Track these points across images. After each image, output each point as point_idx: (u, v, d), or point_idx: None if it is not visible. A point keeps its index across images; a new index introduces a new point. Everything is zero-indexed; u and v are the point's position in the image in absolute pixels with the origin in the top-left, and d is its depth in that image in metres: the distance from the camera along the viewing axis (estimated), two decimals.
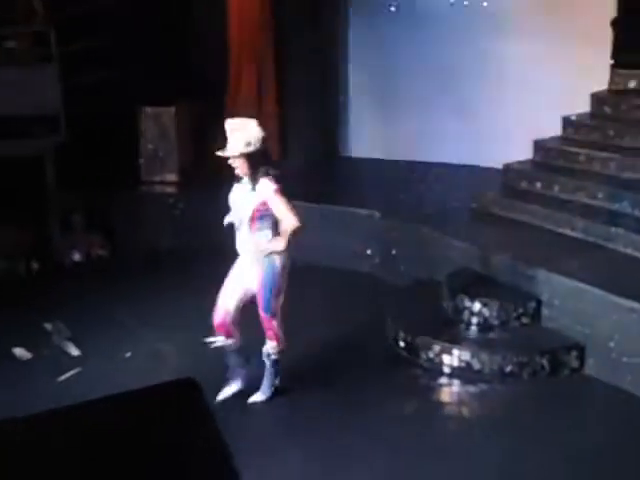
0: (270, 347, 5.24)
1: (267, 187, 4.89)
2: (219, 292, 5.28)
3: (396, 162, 8.97)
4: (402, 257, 7.37)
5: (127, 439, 1.52)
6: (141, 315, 6.80)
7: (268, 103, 9.15)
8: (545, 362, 5.64)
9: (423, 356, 5.88)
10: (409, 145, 8.98)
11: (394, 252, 7.46)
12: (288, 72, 9.15)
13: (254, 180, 4.92)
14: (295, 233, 4.95)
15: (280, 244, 4.95)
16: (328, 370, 5.85)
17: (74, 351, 6.23)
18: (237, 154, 4.88)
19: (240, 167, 4.95)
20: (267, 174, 4.91)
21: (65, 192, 9.07)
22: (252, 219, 4.93)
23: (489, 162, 8.26)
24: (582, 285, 5.75)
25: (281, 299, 5.20)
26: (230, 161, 4.98)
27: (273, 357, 5.28)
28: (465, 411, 5.60)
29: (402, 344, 6.06)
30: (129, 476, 1.43)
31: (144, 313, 6.82)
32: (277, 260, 5.06)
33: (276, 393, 5.40)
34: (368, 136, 9.27)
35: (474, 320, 6.03)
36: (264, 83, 9.12)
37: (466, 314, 6.06)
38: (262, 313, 5.15)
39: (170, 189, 8.78)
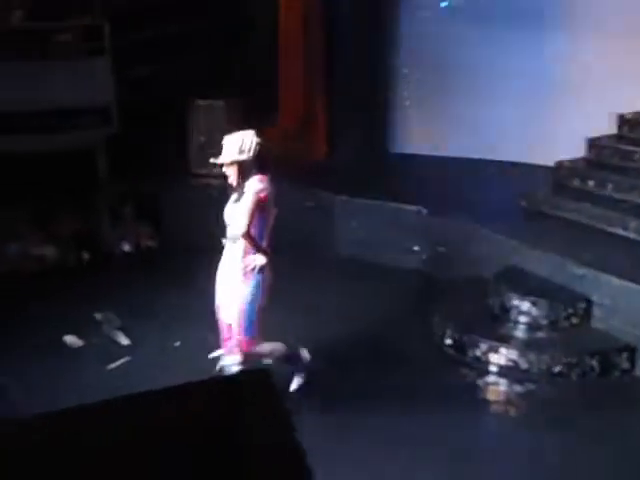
0: (234, 358, 4.95)
1: (251, 187, 4.77)
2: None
3: (445, 159, 8.93)
4: (449, 254, 7.32)
5: (199, 429, 1.52)
6: (189, 305, 6.84)
7: (317, 99, 9.16)
8: (595, 363, 5.57)
9: (470, 354, 5.84)
10: (458, 142, 8.93)
11: (441, 249, 7.42)
12: (337, 68, 9.15)
13: (243, 187, 4.80)
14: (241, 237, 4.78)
15: (262, 257, 4.80)
16: (373, 366, 5.85)
17: (124, 340, 6.32)
18: (228, 161, 4.76)
19: (232, 175, 4.82)
20: (259, 178, 4.82)
21: (116, 183, 9.22)
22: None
23: (540, 160, 8.18)
24: (633, 285, 5.67)
25: (259, 317, 4.96)
26: (223, 169, 4.85)
27: (233, 369, 4.87)
28: (513, 411, 5.55)
29: (449, 342, 6.03)
30: (199, 468, 1.44)
31: (193, 303, 6.85)
32: (261, 277, 4.88)
33: None
34: (417, 132, 9.24)
35: (522, 319, 5.97)
36: (313, 79, 9.13)
37: (514, 313, 6.00)
38: (241, 335, 4.91)
39: (219, 182, 8.82)
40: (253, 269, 4.80)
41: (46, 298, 7.01)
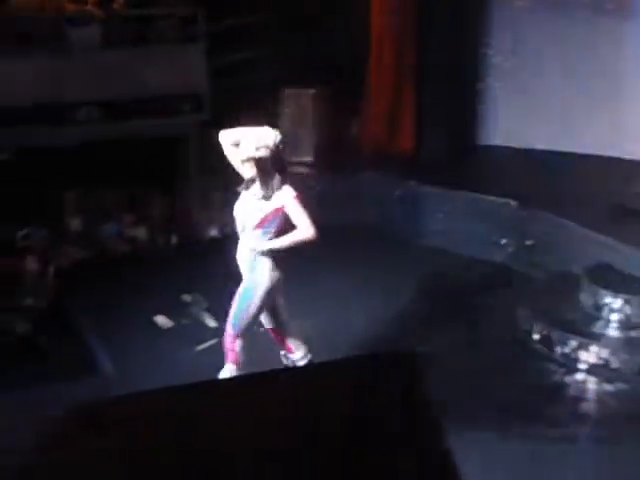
0: (229, 371, 4.74)
1: (287, 193, 4.60)
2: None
3: (535, 151, 8.76)
4: (538, 248, 7.21)
5: (332, 410, 1.53)
6: None
7: (406, 88, 9.11)
8: None
9: (558, 350, 5.76)
10: (550, 134, 8.74)
11: (529, 242, 7.31)
12: (428, 56, 9.06)
13: (265, 185, 4.61)
14: (306, 242, 4.65)
15: (278, 243, 4.65)
16: (458, 359, 5.81)
17: (211, 323, 6.44)
18: (246, 157, 4.62)
19: (250, 171, 4.67)
20: (284, 181, 4.63)
21: (206, 169, 9.37)
22: (259, 224, 4.63)
23: (634, 155, 7.96)
24: None
25: (253, 320, 4.81)
26: (240, 164, 4.72)
27: None
28: (604, 410, 5.45)
29: (536, 337, 5.95)
30: (338, 450, 1.44)
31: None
32: (267, 275, 4.74)
33: None
34: (507, 124, 9.08)
35: (614, 317, 5.85)
36: (403, 68, 9.08)
37: (606, 310, 5.88)
38: (228, 327, 4.80)
39: (306, 170, 8.89)
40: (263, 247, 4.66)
41: (137, 279, 7.20)
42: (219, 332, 6.25)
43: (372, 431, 1.44)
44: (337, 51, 9.44)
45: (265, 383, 1.66)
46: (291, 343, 4.96)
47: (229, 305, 6.72)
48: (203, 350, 6.02)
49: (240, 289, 4.83)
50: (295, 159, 8.96)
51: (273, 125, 8.88)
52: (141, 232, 8.53)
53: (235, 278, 7.34)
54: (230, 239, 8.75)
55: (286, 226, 4.70)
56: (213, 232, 9.04)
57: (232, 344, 4.76)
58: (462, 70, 9.02)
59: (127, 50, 8.45)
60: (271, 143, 4.56)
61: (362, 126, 9.41)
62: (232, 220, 9.05)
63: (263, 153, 4.53)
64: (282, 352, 4.98)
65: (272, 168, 4.58)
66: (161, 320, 6.43)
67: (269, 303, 4.84)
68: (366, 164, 8.79)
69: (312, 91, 8.81)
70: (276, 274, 4.76)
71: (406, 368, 1.48)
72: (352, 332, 6.00)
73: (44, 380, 5.58)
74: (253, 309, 4.76)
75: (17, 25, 8.15)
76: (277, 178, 4.60)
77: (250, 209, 4.66)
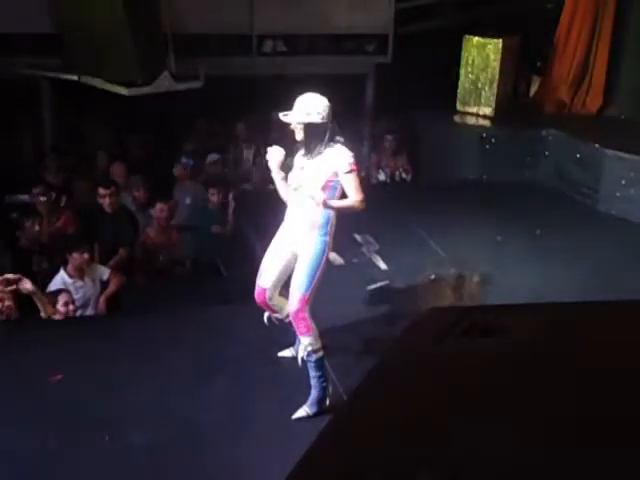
0: (306, 343, 4.41)
1: (343, 159, 4.33)
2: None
3: None
4: None
5: None
6: (442, 242, 6.85)
7: (598, 47, 8.70)
8: None
9: None
10: None
11: None
12: (624, 15, 8.61)
13: (310, 150, 4.37)
14: (355, 210, 4.37)
15: (333, 203, 4.32)
16: None
17: (382, 264, 6.46)
18: (293, 122, 4.36)
19: (298, 136, 4.40)
20: (340, 143, 4.36)
21: (381, 112, 9.35)
22: (323, 190, 4.30)
23: None
24: None
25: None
26: (291, 127, 4.41)
27: (314, 356, 4.41)
28: None
29: None
30: None
31: (445, 240, 6.86)
32: (328, 238, 4.47)
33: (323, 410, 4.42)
34: None
35: None
36: (597, 26, 8.66)
37: None
38: (299, 293, 4.37)
39: (484, 122, 8.70)
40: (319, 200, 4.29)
41: None
42: (389, 275, 6.34)
43: None
44: (529, 3, 9.14)
45: None
46: (275, 304, 4.72)
47: (399, 249, 6.79)
48: (374, 290, 6.04)
49: (309, 252, 4.47)
50: (473, 110, 8.81)
51: (453, 74, 8.90)
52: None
53: (405, 225, 7.38)
54: (397, 185, 8.87)
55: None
56: (381, 176, 9.07)
57: (303, 311, 4.40)
58: None
59: None
60: (320, 112, 4.32)
61: (546, 82, 9.10)
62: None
63: (311, 119, 4.32)
64: (266, 314, 4.79)
65: (317, 135, 4.34)
66: (333, 256, 6.47)
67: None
68: (547, 122, 8.50)
69: (500, 41, 8.52)
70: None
71: None
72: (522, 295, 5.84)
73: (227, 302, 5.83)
74: (322, 272, 4.46)
75: None
76: (325, 142, 4.35)
77: (308, 168, 4.42)
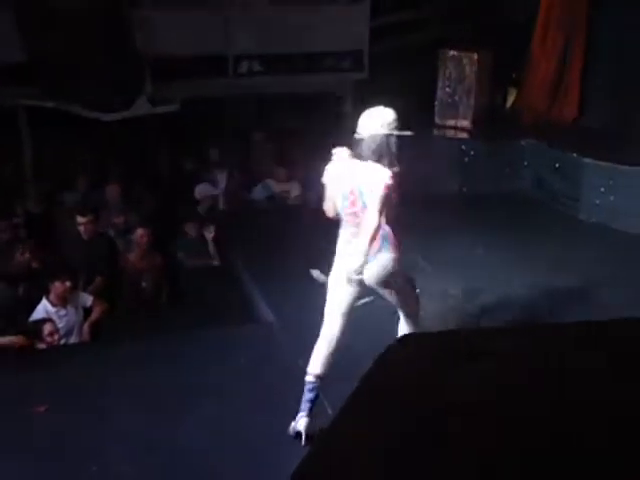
0: None
1: (381, 177, 4.17)
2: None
3: None
4: None
5: None
6: (425, 256, 6.84)
7: (572, 59, 8.78)
8: None
9: None
10: None
11: None
12: (597, 26, 8.69)
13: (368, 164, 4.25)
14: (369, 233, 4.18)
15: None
16: None
17: None
18: (357, 135, 4.29)
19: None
20: (389, 165, 4.22)
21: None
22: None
23: None
24: None
25: None
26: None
27: None
28: None
29: None
30: None
31: (428, 254, 6.84)
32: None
33: None
34: None
35: None
36: (570, 37, 8.74)
37: None
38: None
39: (462, 135, 8.74)
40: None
41: (290, 233, 7.32)
42: (373, 291, 6.32)
43: None
44: (502, 17, 9.21)
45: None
46: None
47: None
48: (360, 306, 6.02)
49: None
50: (450, 122, 8.85)
51: (429, 88, 8.94)
52: (294, 187, 8.64)
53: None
54: None
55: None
56: None
57: None
58: (634, 40, 8.58)
59: (293, 7, 8.52)
60: (382, 127, 4.24)
61: (522, 93, 9.16)
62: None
63: (372, 133, 4.24)
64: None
65: (378, 149, 4.22)
66: (316, 274, 6.49)
67: None
68: (525, 132, 8.56)
69: (475, 55, 8.58)
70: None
71: None
72: (504, 303, 5.85)
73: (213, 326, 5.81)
74: None
75: None
76: (383, 160, 4.22)
77: (359, 178, 4.28)
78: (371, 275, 4.45)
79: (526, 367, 1.56)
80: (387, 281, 4.49)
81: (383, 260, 4.39)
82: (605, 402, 1.41)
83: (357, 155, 4.31)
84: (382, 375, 1.65)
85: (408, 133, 4.39)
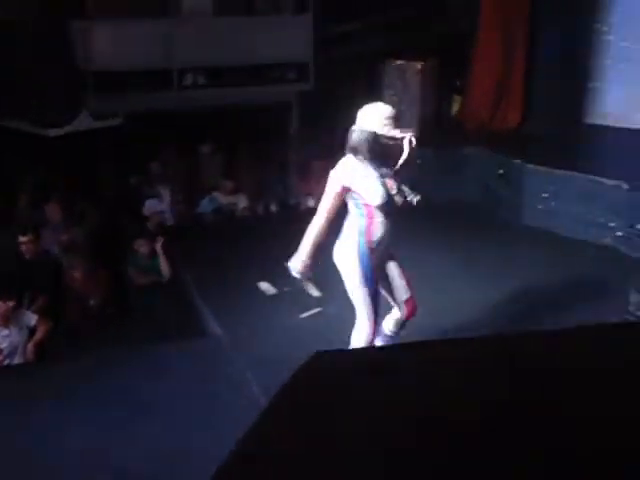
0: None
1: (334, 170, 4.29)
2: None
3: None
4: None
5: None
6: None
7: (514, 65, 8.93)
8: None
9: None
10: None
11: None
12: (539, 33, 8.86)
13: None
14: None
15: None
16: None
17: (315, 292, 6.43)
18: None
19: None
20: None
21: (306, 139, 9.40)
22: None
23: None
24: None
25: None
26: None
27: None
28: None
29: None
30: None
31: None
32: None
33: None
34: (616, 103, 8.81)
35: None
36: (512, 44, 8.90)
37: None
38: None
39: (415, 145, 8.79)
40: None
41: (238, 245, 7.30)
42: (322, 302, 6.32)
43: None
44: (447, 25, 9.32)
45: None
46: None
47: (333, 276, 6.78)
48: (306, 318, 6.03)
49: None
50: (399, 134, 8.90)
51: (375, 98, 9.02)
52: (241, 199, 8.61)
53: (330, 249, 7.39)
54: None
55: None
56: (310, 203, 9.07)
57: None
58: (575, 47, 8.77)
59: (235, 19, 8.52)
60: (379, 122, 4.23)
61: (467, 101, 9.28)
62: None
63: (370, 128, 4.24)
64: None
65: (372, 149, 4.23)
66: (265, 286, 6.48)
67: None
68: (469, 139, 8.67)
69: (419, 65, 8.68)
70: None
71: None
72: (452, 315, 5.88)
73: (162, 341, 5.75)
74: None
75: None
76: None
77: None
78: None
79: (425, 383, 1.58)
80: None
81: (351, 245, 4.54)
82: (498, 419, 1.44)
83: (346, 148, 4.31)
84: (289, 392, 1.67)
85: (398, 134, 4.32)
